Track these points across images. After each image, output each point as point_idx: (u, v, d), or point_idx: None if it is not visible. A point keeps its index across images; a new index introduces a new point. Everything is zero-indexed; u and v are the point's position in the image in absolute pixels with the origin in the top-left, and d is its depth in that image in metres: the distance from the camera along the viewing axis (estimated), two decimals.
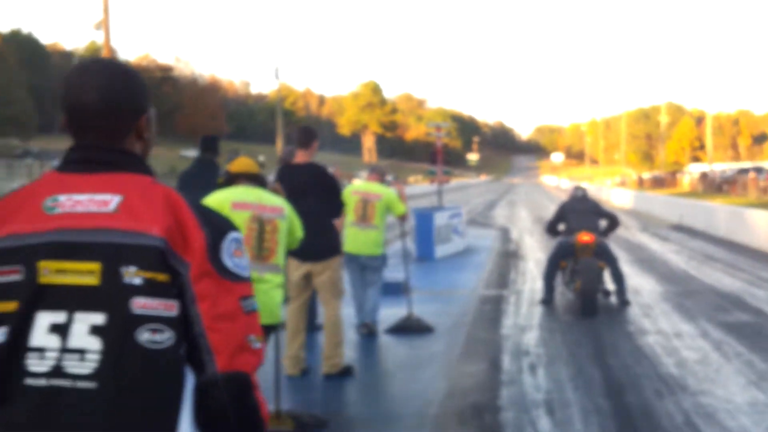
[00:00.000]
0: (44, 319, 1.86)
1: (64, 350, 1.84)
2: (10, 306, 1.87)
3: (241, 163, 6.06)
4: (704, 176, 62.82)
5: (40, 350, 1.85)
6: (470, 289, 13.82)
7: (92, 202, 1.94)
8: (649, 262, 17.74)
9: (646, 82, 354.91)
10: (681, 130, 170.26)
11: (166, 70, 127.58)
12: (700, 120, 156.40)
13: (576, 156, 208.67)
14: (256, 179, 6.01)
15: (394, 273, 13.38)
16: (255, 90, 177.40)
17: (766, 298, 12.77)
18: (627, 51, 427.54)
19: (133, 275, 1.87)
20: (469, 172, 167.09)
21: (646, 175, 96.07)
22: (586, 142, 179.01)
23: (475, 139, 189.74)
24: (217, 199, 5.69)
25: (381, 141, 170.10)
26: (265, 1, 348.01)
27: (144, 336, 1.85)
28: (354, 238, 9.82)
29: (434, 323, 10.44)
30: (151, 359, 1.85)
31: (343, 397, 7.55)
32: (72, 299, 1.87)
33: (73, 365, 1.83)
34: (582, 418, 6.68)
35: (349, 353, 8.71)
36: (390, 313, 10.53)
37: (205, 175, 8.98)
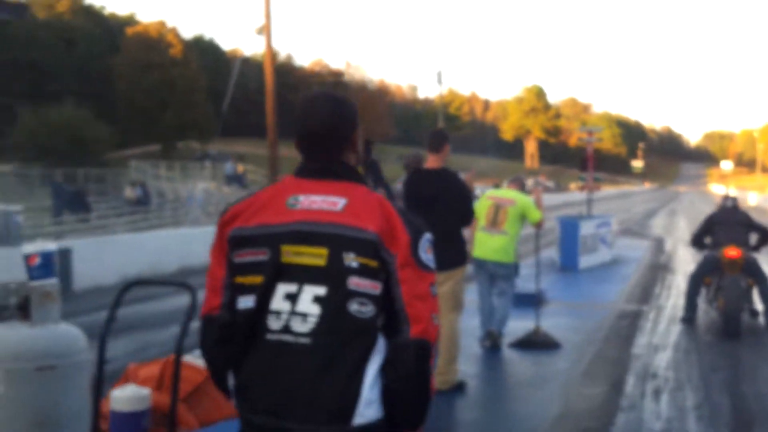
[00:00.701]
0: (281, 289, 2.50)
1: (293, 313, 2.47)
2: (258, 279, 2.52)
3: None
4: None
5: (277, 312, 2.49)
6: (609, 303, 13.26)
7: (325, 202, 2.56)
8: None
9: None
10: None
11: (337, 75, 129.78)
12: None
13: (747, 164, 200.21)
14: None
15: (529, 284, 13.00)
16: (422, 95, 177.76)
17: None
18: None
19: (352, 260, 2.47)
20: (633, 179, 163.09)
21: None
22: (758, 149, 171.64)
23: (641, 145, 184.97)
24: None
25: (544, 146, 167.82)
26: (433, 5, 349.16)
27: (353, 306, 2.45)
28: (482, 243, 9.52)
29: (563, 338, 10.01)
30: (356, 325, 2.45)
31: (450, 416, 7.23)
32: (303, 275, 2.48)
33: (297, 325, 2.46)
34: None
35: (468, 367, 8.42)
36: (519, 326, 10.14)
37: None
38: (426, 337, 2.50)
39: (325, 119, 2.66)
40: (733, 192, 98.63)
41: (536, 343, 9.76)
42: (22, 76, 73.60)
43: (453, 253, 7.47)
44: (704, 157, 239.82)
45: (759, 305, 11.52)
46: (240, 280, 2.57)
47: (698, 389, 8.01)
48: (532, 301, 11.81)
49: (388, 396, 2.48)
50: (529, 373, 8.73)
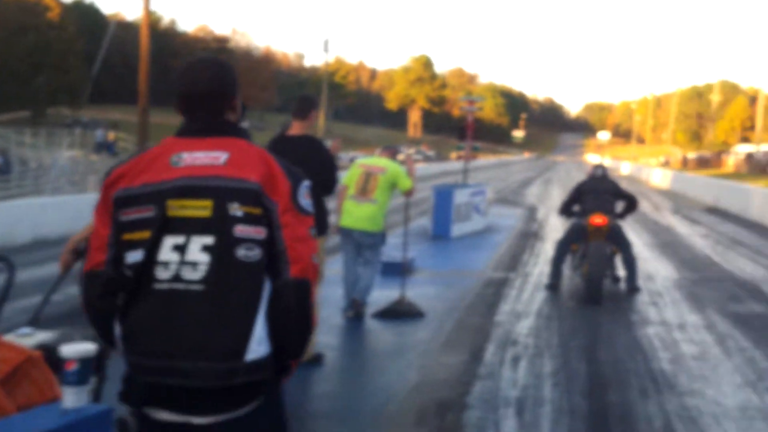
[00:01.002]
0: (169, 241, 2.63)
1: (182, 262, 2.61)
2: (145, 234, 2.64)
3: None
4: (749, 157, 61.29)
5: (165, 263, 2.62)
6: (477, 271, 13.27)
7: (207, 157, 2.71)
8: (672, 246, 17.04)
9: (701, 59, 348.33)
10: (734, 109, 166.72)
11: (222, 42, 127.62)
12: (754, 99, 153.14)
13: (624, 135, 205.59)
14: None
15: (398, 252, 12.91)
16: (309, 63, 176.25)
17: None
18: (682, 26, 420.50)
19: (236, 209, 2.63)
20: (513, 149, 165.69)
21: (692, 155, 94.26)
22: (635, 121, 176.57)
23: (523, 115, 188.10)
24: None
25: (428, 116, 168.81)
26: None
27: (241, 252, 2.62)
28: (350, 212, 9.31)
29: (428, 307, 9.92)
30: (244, 268, 2.61)
31: (306, 389, 7.01)
32: (190, 226, 2.63)
33: (188, 273, 2.60)
34: (552, 420, 6.16)
35: (328, 339, 8.25)
36: (384, 295, 10.02)
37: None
38: (306, 276, 2.71)
39: (207, 81, 2.85)
40: (606, 161, 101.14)
41: (400, 313, 9.64)
42: None
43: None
44: (584, 128, 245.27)
45: (621, 271, 11.69)
46: (127, 236, 2.69)
47: (556, 356, 8.02)
48: (400, 270, 11.75)
49: (273, 331, 2.67)
50: (390, 343, 8.61)
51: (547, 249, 15.69)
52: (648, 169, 64.04)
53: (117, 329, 2.70)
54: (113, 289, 2.72)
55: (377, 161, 9.79)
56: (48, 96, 75.01)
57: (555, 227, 20.16)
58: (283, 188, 2.71)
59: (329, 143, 8.20)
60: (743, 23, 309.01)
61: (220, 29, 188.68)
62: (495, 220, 21.45)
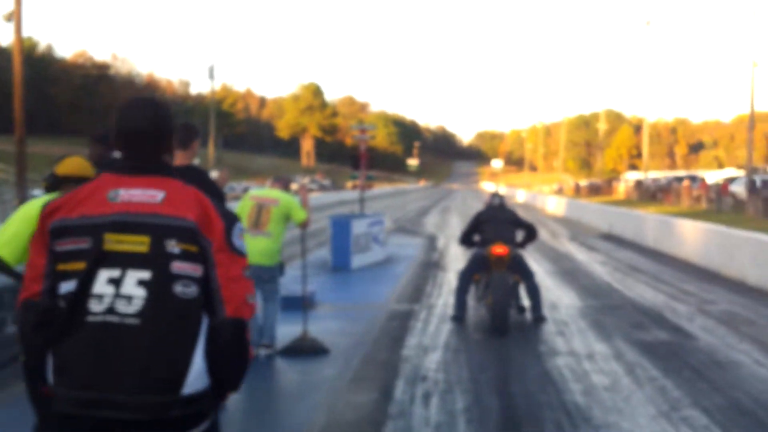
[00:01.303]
0: (104, 275, 2.67)
1: (117, 296, 2.64)
2: (80, 265, 2.68)
3: (71, 165, 5.09)
4: (639, 184, 62.82)
5: (99, 296, 2.65)
6: (380, 304, 13.01)
7: (144, 195, 2.78)
8: (572, 274, 17.12)
9: (588, 89, 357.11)
10: (620, 137, 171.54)
11: (102, 68, 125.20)
12: (639, 128, 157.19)
13: (516, 162, 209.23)
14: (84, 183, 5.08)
15: (298, 286, 12.59)
16: (195, 90, 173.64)
17: (686, 313, 12.16)
18: (570, 58, 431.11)
19: (174, 246, 2.70)
20: (408, 177, 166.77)
21: (583, 182, 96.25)
22: (526, 149, 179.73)
23: (416, 143, 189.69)
24: (32, 208, 4.71)
25: (321, 145, 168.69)
26: None
27: (178, 288, 2.68)
28: None
29: (332, 343, 9.63)
30: (181, 304, 2.67)
31: None
32: (126, 261, 2.67)
33: (122, 306, 2.63)
34: None
35: None
36: (286, 331, 9.66)
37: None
38: (241, 315, 2.79)
39: (146, 120, 2.92)
40: (501, 189, 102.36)
41: (303, 349, 9.32)
42: None
43: None
44: (476, 156, 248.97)
45: (526, 301, 11.61)
46: (62, 267, 2.74)
47: (468, 391, 7.80)
48: (300, 304, 11.45)
49: (212, 366, 2.74)
50: (295, 382, 8.27)
51: (449, 279, 15.57)
52: (542, 197, 65.06)
53: (50, 362, 2.71)
54: (48, 320, 2.74)
55: (269, 193, 9.50)
56: None
57: (456, 256, 20.11)
58: (218, 228, 2.82)
59: (215, 174, 7.97)
60: (625, 54, 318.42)
61: (100, 55, 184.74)
62: (395, 250, 21.32)
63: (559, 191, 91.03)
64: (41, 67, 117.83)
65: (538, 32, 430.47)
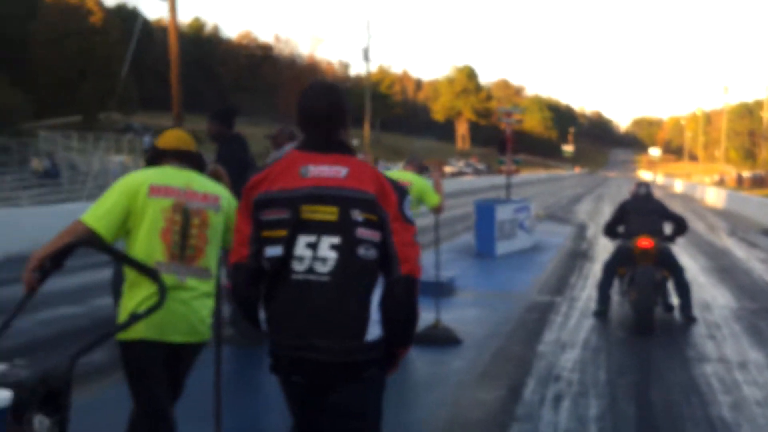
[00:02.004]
0: (303, 240, 3.21)
1: (314, 258, 3.19)
2: (282, 233, 3.22)
3: (171, 137, 4.79)
4: None
5: (300, 258, 3.21)
6: (521, 293, 12.53)
7: (330, 170, 3.28)
8: (729, 271, 16.13)
9: (751, 74, 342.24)
10: None
11: (266, 49, 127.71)
12: None
13: (675, 151, 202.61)
14: (189, 158, 4.76)
15: (439, 271, 12.24)
16: (354, 72, 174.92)
17: None
18: (732, 41, 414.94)
19: (358, 215, 3.20)
20: (563, 163, 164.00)
21: (747, 173, 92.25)
22: (686, 137, 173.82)
23: (571, 129, 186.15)
24: (134, 181, 4.47)
25: (476, 128, 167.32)
26: None
27: (361, 251, 3.19)
28: None
29: (466, 332, 9.26)
30: (363, 265, 3.19)
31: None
32: (320, 228, 3.20)
33: (318, 267, 3.18)
34: None
35: None
36: (421, 318, 9.28)
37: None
38: (413, 273, 3.23)
39: (326, 103, 3.39)
40: (659, 178, 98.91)
41: (435, 339, 8.98)
42: None
43: None
44: (633, 143, 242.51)
45: (674, 299, 10.91)
46: (267, 233, 3.23)
47: (603, 395, 7.27)
48: (441, 291, 11.11)
49: (385, 320, 3.21)
50: (423, 373, 7.92)
51: (596, 270, 14.86)
52: (702, 188, 62.54)
53: (261, 314, 3.34)
54: (256, 279, 3.31)
55: (401, 175, 9.08)
56: (96, 101, 75.23)
57: (605, 246, 19.19)
58: (392, 200, 3.27)
59: (361, 156, 7.69)
60: None
61: (264, 36, 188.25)
62: (543, 237, 20.68)
63: (720, 182, 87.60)
64: (209, 47, 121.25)
65: (698, 14, 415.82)
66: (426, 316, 9.14)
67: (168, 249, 4.37)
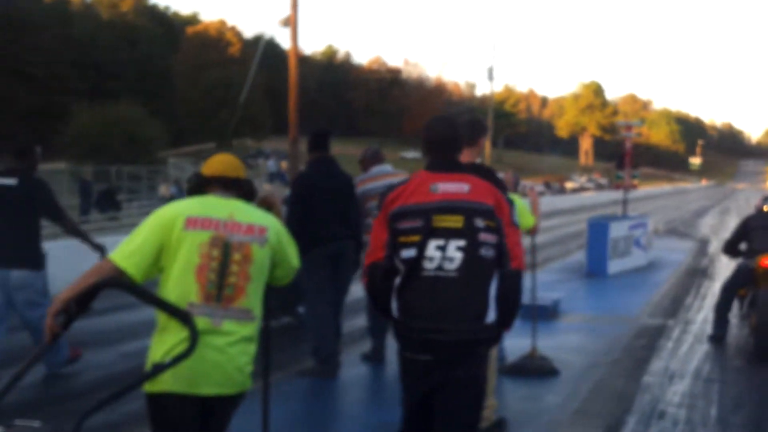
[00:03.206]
0: (433, 243, 3.84)
1: (443, 258, 3.82)
2: (416, 238, 3.85)
3: (217, 162, 4.30)
4: None
5: (431, 258, 3.83)
6: (630, 316, 11.64)
7: (455, 187, 3.96)
8: None
9: None
10: None
11: (394, 73, 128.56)
12: None
13: None
14: (236, 186, 4.28)
15: (545, 293, 11.52)
16: (480, 92, 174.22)
17: None
18: None
19: (480, 222, 3.87)
20: (690, 176, 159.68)
21: None
22: None
23: (699, 141, 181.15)
24: (169, 213, 4.00)
25: (600, 144, 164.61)
26: (489, 1, 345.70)
27: (482, 251, 3.85)
28: None
29: (566, 362, 8.54)
30: (484, 262, 3.86)
31: None
32: (448, 233, 3.84)
33: (447, 265, 3.82)
34: None
35: None
36: (519, 345, 8.61)
37: (315, 177, 8.17)
38: (521, 267, 3.99)
39: (445, 135, 4.17)
40: None
41: (529, 370, 8.27)
42: (84, 76, 73.54)
43: None
44: (765, 154, 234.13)
45: None
46: (403, 239, 3.87)
47: None
48: (544, 314, 10.45)
49: (498, 305, 3.90)
50: (513, 410, 7.17)
51: (715, 290, 13.79)
52: None
53: (394, 304, 3.93)
54: (390, 276, 3.92)
55: None
56: (233, 129, 77.07)
57: (727, 264, 18.11)
58: (505, 210, 4.01)
59: (502, 175, 7.33)
60: None
61: (393, 61, 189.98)
62: (660, 254, 19.60)
63: None
64: (341, 73, 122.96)
65: None
66: (522, 344, 8.49)
67: (203, 288, 3.91)
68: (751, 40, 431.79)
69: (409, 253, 3.84)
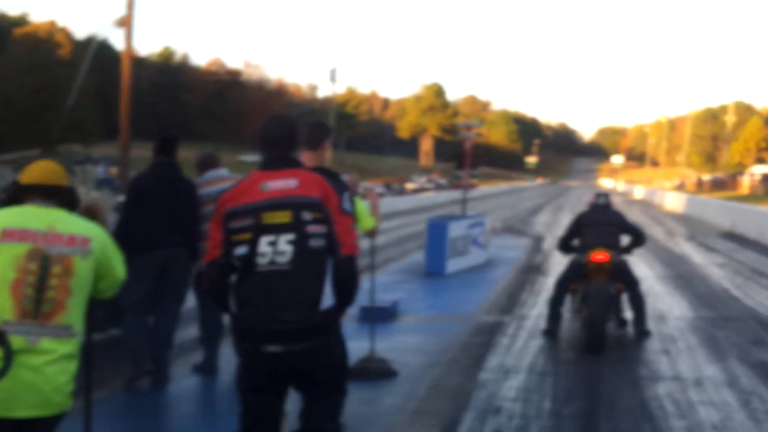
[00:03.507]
0: (264, 240, 4.06)
1: (275, 252, 4.04)
2: (248, 236, 4.07)
3: (36, 170, 4.09)
4: (766, 178, 59.52)
5: (263, 254, 4.05)
6: (468, 315, 11.79)
7: (284, 183, 4.17)
8: (686, 278, 15.60)
9: (716, 80, 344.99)
10: (748, 130, 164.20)
11: (234, 75, 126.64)
12: None
13: (638, 158, 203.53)
14: (57, 194, 4.07)
15: (385, 295, 11.53)
16: (322, 94, 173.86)
17: None
18: (696, 48, 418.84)
19: (308, 215, 4.09)
20: (527, 175, 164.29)
21: (707, 177, 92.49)
22: (649, 144, 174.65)
23: (536, 141, 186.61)
24: None
25: (441, 144, 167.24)
26: (332, 3, 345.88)
27: (312, 243, 4.07)
28: None
29: (404, 363, 8.55)
30: (315, 253, 4.09)
31: None
32: (278, 229, 4.06)
33: (279, 259, 4.04)
34: None
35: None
36: (357, 347, 8.55)
37: (161, 182, 7.88)
38: (352, 253, 4.23)
39: (280, 133, 4.38)
40: (620, 185, 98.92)
41: (368, 373, 8.24)
42: None
43: None
44: (597, 152, 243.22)
45: (629, 313, 10.29)
46: (236, 238, 4.11)
47: (546, 428, 6.62)
48: (382, 316, 10.46)
49: (336, 290, 4.18)
50: (350, 414, 7.07)
51: (549, 285, 14.15)
52: (662, 193, 62.31)
53: (232, 300, 4.16)
54: (226, 273, 4.15)
55: None
56: (58, 133, 74.35)
57: (561, 259, 18.60)
58: (334, 199, 4.19)
59: (345, 178, 7.19)
60: (758, 44, 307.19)
61: (234, 62, 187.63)
62: (497, 252, 20.01)
63: (681, 186, 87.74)
64: (178, 75, 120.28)
65: (663, 21, 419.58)
66: (360, 347, 8.46)
67: (18, 305, 3.71)
68: (583, 43, 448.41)
69: (242, 250, 4.05)
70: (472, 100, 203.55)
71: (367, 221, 8.10)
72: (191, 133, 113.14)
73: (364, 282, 11.77)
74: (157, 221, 7.67)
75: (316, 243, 4.05)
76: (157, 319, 7.91)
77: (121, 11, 26.48)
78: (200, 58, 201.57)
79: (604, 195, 11.04)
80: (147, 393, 7.59)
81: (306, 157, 6.19)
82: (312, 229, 4.05)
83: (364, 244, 8.87)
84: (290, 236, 4.02)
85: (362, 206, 8.29)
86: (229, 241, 4.10)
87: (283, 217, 4.04)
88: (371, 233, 8.25)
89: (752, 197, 48.59)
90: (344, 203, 4.23)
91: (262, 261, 4.01)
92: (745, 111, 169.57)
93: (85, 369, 4.28)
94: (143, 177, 8.22)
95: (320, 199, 4.10)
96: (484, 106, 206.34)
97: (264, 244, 4.01)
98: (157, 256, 7.68)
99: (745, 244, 23.22)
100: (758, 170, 79.72)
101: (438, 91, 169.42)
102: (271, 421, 4.33)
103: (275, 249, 4.00)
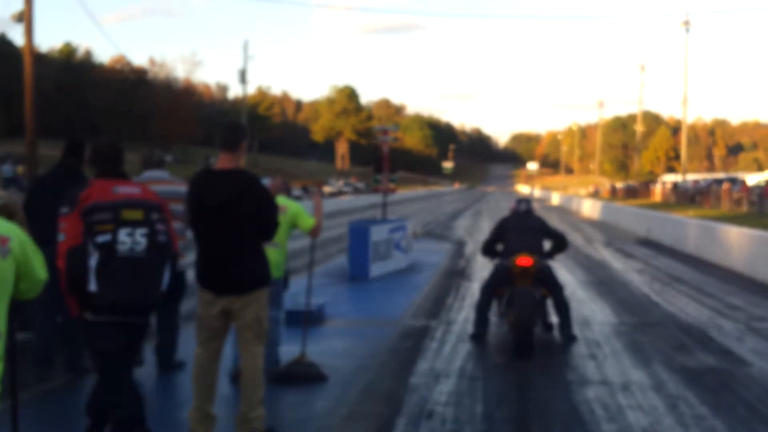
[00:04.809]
0: (123, 231, 5.00)
1: (133, 242, 5.01)
2: (109, 227, 4.98)
3: None
4: (676, 186, 60.94)
5: (123, 242, 4.98)
6: (394, 319, 11.75)
7: (131, 189, 5.22)
8: (607, 284, 15.85)
9: (624, 90, 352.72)
10: (657, 139, 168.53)
11: (140, 73, 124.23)
12: (676, 130, 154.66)
13: (552, 165, 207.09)
14: None
15: (312, 298, 11.42)
16: (232, 95, 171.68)
17: (735, 332, 10.90)
18: (608, 58, 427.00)
19: (155, 215, 5.17)
20: (444, 180, 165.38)
21: (620, 185, 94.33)
22: (562, 151, 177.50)
23: (451, 146, 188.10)
24: None
25: (357, 148, 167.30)
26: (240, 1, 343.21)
27: (159, 238, 5.15)
28: None
29: (333, 367, 8.47)
30: (161, 246, 5.16)
31: None
32: (134, 224, 5.04)
33: (137, 248, 5.03)
34: None
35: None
36: (285, 351, 8.50)
37: (64, 183, 7.35)
38: (176, 250, 5.41)
39: (114, 150, 5.46)
40: (536, 192, 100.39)
41: (297, 376, 8.15)
42: None
43: (252, 271, 6.05)
44: (512, 158, 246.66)
45: (554, 317, 10.41)
46: (98, 228, 4.95)
47: None
48: (308, 320, 10.33)
49: (170, 276, 5.24)
50: (281, 418, 7.00)
51: (474, 290, 14.28)
52: (578, 200, 63.38)
53: (92, 280, 4.94)
54: (86, 258, 4.93)
55: (277, 200, 8.29)
56: None
57: (483, 264, 18.74)
58: (166, 207, 5.35)
59: (268, 181, 7.09)
60: (668, 53, 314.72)
61: (138, 60, 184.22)
62: (419, 257, 20.08)
63: (596, 194, 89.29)
64: (81, 72, 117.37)
65: (576, 30, 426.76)
66: (289, 351, 8.39)
67: None
68: (501, 50, 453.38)
69: (104, 238, 4.96)
70: (385, 104, 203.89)
71: (306, 221, 8.06)
72: (99, 133, 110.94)
73: (293, 285, 11.79)
74: (51, 219, 7.56)
75: (161, 238, 5.16)
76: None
77: (20, 5, 25.79)
78: (103, 54, 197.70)
79: (526, 201, 11.14)
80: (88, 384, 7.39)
81: (223, 159, 6.11)
82: (159, 227, 5.15)
83: (304, 242, 8.81)
84: (144, 230, 5.06)
85: (298, 207, 8.24)
86: (90, 230, 4.97)
87: (137, 214, 5.07)
88: (313, 233, 8.16)
89: (665, 205, 49.61)
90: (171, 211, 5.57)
91: (122, 248, 4.99)
92: (652, 121, 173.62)
93: (9, 372, 4.13)
94: (43, 176, 8.41)
95: (160, 205, 5.27)
96: (398, 110, 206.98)
97: (123, 234, 5.00)
98: (46, 252, 7.54)
99: (661, 251, 23.70)
100: (669, 179, 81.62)
101: (351, 94, 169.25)
102: (128, 376, 5.34)
103: (133, 239, 5.01)
